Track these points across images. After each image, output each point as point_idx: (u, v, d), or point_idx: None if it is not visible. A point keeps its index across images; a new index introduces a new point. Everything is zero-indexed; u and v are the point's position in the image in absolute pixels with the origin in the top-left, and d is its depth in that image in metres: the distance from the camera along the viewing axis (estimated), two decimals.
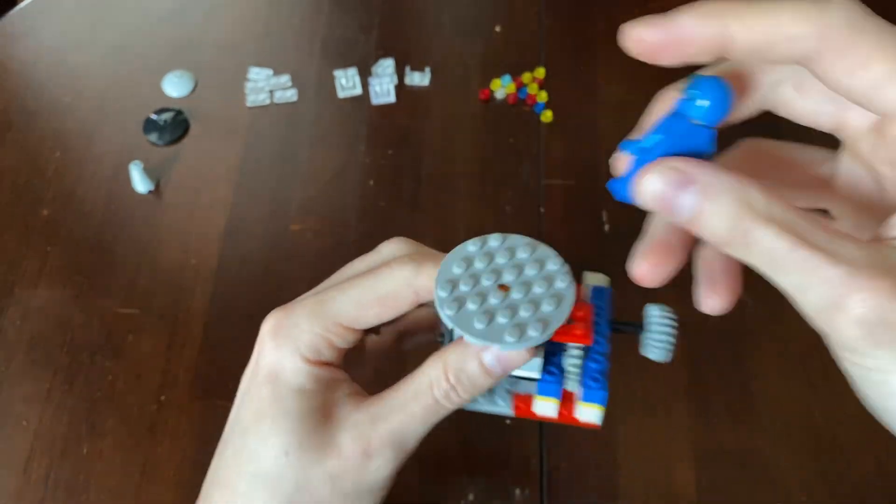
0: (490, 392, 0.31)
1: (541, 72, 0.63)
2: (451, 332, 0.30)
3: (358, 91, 0.62)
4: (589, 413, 0.30)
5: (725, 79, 0.22)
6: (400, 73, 0.63)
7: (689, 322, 0.52)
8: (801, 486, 0.45)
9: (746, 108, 0.25)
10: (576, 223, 0.56)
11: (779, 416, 0.48)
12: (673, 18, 0.22)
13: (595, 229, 0.55)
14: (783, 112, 0.25)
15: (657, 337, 0.32)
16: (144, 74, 0.64)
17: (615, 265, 0.56)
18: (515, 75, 0.63)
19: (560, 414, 0.30)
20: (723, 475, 0.46)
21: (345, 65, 0.64)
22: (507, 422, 0.48)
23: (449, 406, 0.30)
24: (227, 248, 0.55)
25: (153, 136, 0.60)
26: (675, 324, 0.31)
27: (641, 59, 0.23)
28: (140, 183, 0.57)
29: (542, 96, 0.61)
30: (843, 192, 0.26)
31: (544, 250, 0.31)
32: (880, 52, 0.21)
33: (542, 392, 0.30)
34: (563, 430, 0.48)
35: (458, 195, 0.57)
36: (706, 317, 0.54)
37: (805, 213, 0.21)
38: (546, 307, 0.28)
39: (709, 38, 0.22)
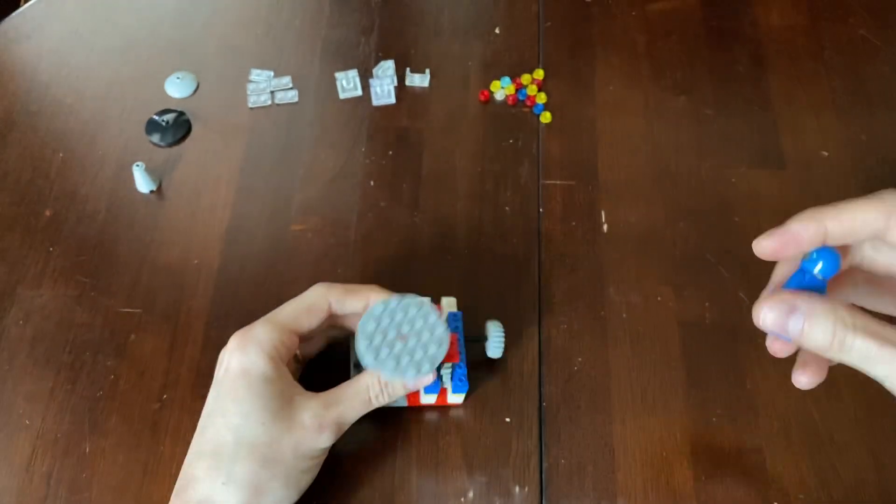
0: None
1: (540, 73, 0.63)
2: (364, 367, 0.43)
3: (358, 92, 0.63)
4: (456, 398, 0.48)
5: (836, 249, 0.32)
6: (400, 75, 0.63)
7: (689, 322, 0.52)
8: (799, 485, 0.46)
9: (842, 268, 0.34)
10: (575, 223, 0.56)
11: (776, 414, 0.48)
12: (786, 227, 0.32)
13: (594, 229, 0.56)
14: (866, 267, 0.34)
15: (496, 343, 0.48)
16: (147, 76, 0.64)
17: (613, 264, 0.57)
18: (515, 77, 0.63)
19: (438, 399, 0.48)
20: (720, 473, 0.46)
21: (345, 66, 0.64)
22: (507, 420, 0.48)
23: (376, 405, 0.43)
24: (228, 247, 0.56)
25: (155, 137, 0.61)
26: (504, 332, 0.48)
27: (770, 259, 0.33)
28: (142, 183, 0.58)
29: (541, 97, 0.62)
30: None
31: (427, 307, 0.44)
32: None
33: (427, 391, 0.47)
34: (563, 430, 0.48)
35: (458, 195, 0.58)
36: (704, 316, 0.54)
37: (881, 321, 0.29)
38: (432, 349, 0.43)
39: (813, 235, 0.32)
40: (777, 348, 0.35)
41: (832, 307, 0.30)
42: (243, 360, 0.41)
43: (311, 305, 0.44)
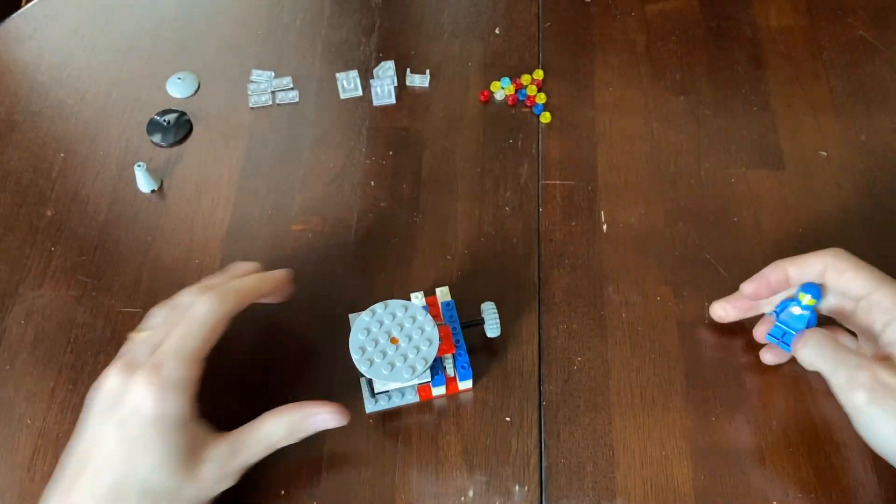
0: (401, 392, 0.48)
1: (539, 74, 0.63)
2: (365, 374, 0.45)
3: (359, 93, 0.63)
4: (464, 384, 0.49)
5: (819, 284, 0.45)
6: (400, 75, 0.64)
7: (688, 321, 0.53)
8: (798, 484, 0.46)
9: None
10: (574, 223, 0.56)
11: (776, 414, 0.48)
12: (760, 274, 0.47)
13: (593, 229, 0.56)
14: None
15: (491, 323, 0.48)
16: (148, 76, 0.64)
17: (613, 264, 0.57)
18: (514, 77, 0.63)
19: (447, 389, 0.49)
20: (720, 472, 0.46)
21: (346, 67, 0.64)
22: (507, 419, 0.48)
23: (278, 447, 0.43)
24: (229, 247, 0.56)
25: (157, 137, 0.61)
26: (497, 310, 0.48)
27: (754, 299, 0.48)
28: (144, 183, 0.58)
29: (541, 98, 0.62)
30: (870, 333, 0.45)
31: (413, 307, 0.45)
32: (854, 273, 0.44)
33: (435, 384, 0.48)
34: (563, 429, 0.48)
35: (457, 195, 0.58)
36: (703, 316, 0.55)
37: (848, 349, 0.43)
38: (424, 348, 0.44)
39: (780, 279, 0.46)
40: (769, 358, 0.49)
41: (820, 337, 0.44)
42: (160, 405, 0.39)
43: (216, 328, 0.42)
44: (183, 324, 0.41)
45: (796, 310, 0.46)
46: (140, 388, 0.39)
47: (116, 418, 0.39)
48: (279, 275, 0.48)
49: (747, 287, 0.47)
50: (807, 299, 0.45)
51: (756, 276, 0.47)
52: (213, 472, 0.41)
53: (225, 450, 0.41)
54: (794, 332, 0.46)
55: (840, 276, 0.44)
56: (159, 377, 0.39)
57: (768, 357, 0.49)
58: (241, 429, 0.42)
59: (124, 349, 0.44)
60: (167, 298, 0.50)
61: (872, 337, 0.44)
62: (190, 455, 0.40)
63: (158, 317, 0.44)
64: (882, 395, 0.40)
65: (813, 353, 0.43)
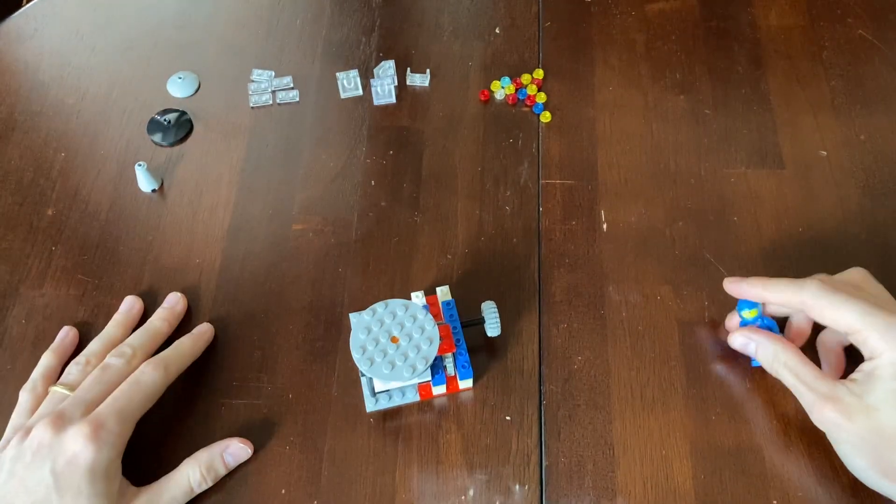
0: (402, 391, 0.48)
1: (539, 73, 0.63)
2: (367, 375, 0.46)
3: (359, 92, 0.63)
4: (464, 383, 0.49)
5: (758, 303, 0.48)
6: (401, 75, 0.64)
7: (688, 321, 0.53)
8: (798, 484, 0.46)
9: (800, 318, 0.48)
10: (574, 223, 0.56)
11: (776, 413, 0.48)
12: (739, 286, 0.48)
13: (593, 229, 0.56)
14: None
15: (492, 322, 0.48)
16: (148, 75, 0.64)
17: (613, 264, 0.57)
18: (514, 77, 0.63)
19: (448, 388, 0.49)
20: (720, 471, 0.46)
21: (346, 66, 0.64)
22: (508, 419, 0.48)
23: (198, 491, 0.45)
24: (230, 247, 0.56)
25: (157, 137, 0.61)
26: (497, 309, 0.48)
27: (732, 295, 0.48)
28: (144, 183, 0.58)
29: (541, 97, 0.62)
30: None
31: (414, 306, 0.46)
32: (833, 313, 0.43)
33: (436, 383, 0.48)
34: (563, 428, 0.48)
35: (458, 195, 0.58)
36: (703, 315, 0.55)
37: (807, 362, 0.44)
38: (424, 347, 0.44)
39: (755, 296, 0.47)
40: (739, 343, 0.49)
41: (775, 342, 0.45)
42: (95, 456, 0.42)
43: (156, 395, 0.46)
44: (127, 387, 0.45)
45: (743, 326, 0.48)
46: (79, 440, 0.42)
47: (48, 468, 0.41)
48: (208, 333, 0.51)
49: (727, 286, 0.48)
50: (747, 313, 0.47)
51: (736, 283, 0.48)
52: None
53: (146, 498, 0.44)
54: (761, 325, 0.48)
55: (822, 316, 0.44)
56: (101, 432, 0.42)
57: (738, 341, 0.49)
58: (161, 479, 0.45)
59: (47, 403, 0.46)
60: (80, 352, 0.49)
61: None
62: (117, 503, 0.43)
63: (76, 374, 0.47)
64: (846, 431, 0.41)
65: (771, 358, 0.45)
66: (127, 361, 0.47)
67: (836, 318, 0.43)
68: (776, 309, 0.48)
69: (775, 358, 0.45)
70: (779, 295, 0.45)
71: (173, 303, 0.52)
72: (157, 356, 0.48)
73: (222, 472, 0.46)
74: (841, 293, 0.43)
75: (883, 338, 0.41)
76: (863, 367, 0.42)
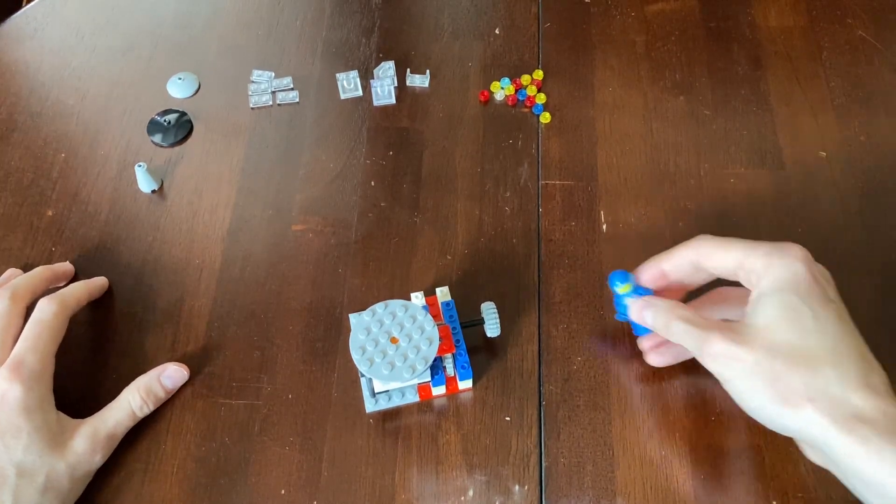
0: (401, 392, 0.48)
1: (539, 74, 0.63)
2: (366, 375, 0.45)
3: (359, 93, 0.63)
4: (464, 384, 0.49)
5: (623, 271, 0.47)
6: (400, 76, 0.64)
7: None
8: (798, 484, 0.46)
9: (700, 279, 0.47)
10: (574, 223, 0.56)
11: None
12: (636, 275, 0.47)
13: (593, 229, 0.56)
14: (695, 286, 0.48)
15: (491, 323, 0.48)
16: (148, 76, 0.65)
17: (613, 264, 0.57)
18: (514, 77, 0.63)
19: (447, 389, 0.49)
20: (719, 472, 0.46)
21: (346, 67, 0.64)
22: (507, 419, 0.48)
23: (141, 415, 0.48)
24: (230, 247, 0.56)
25: (157, 137, 0.61)
26: (497, 310, 0.48)
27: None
28: (144, 183, 0.58)
29: (541, 98, 0.62)
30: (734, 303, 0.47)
31: (413, 307, 0.46)
32: (723, 252, 0.43)
33: (435, 384, 0.48)
34: (563, 428, 0.48)
35: (457, 195, 0.58)
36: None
37: (696, 314, 0.42)
38: (424, 348, 0.44)
39: (655, 276, 0.46)
40: (654, 359, 0.49)
41: (665, 303, 0.44)
42: (26, 394, 0.43)
43: (62, 328, 0.48)
44: (31, 326, 0.46)
45: (626, 298, 0.46)
46: (3, 382, 0.44)
47: None
48: (101, 280, 0.53)
49: (640, 279, 0.47)
50: (621, 288, 0.46)
51: (639, 272, 0.47)
52: (83, 446, 0.45)
53: (90, 426, 0.45)
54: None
55: (711, 259, 0.44)
56: (22, 369, 0.44)
57: (654, 359, 0.48)
58: (103, 409, 0.47)
59: None
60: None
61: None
62: (58, 434, 0.44)
63: None
64: (737, 368, 0.39)
65: (652, 315, 0.44)
66: (10, 298, 0.47)
67: (725, 258, 0.43)
68: (676, 277, 0.46)
69: (670, 312, 0.43)
70: (676, 258, 0.45)
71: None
72: (51, 294, 0.49)
73: (162, 395, 0.48)
74: (728, 238, 0.44)
75: (765, 259, 0.41)
76: (749, 298, 0.42)
